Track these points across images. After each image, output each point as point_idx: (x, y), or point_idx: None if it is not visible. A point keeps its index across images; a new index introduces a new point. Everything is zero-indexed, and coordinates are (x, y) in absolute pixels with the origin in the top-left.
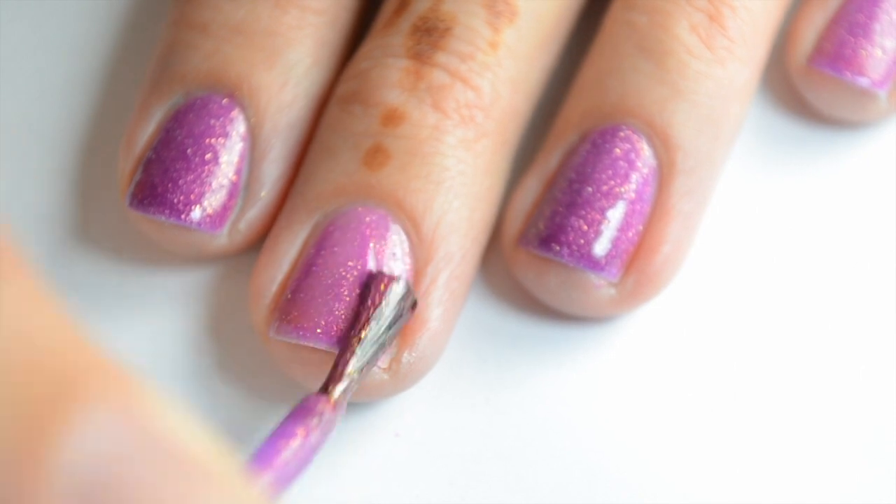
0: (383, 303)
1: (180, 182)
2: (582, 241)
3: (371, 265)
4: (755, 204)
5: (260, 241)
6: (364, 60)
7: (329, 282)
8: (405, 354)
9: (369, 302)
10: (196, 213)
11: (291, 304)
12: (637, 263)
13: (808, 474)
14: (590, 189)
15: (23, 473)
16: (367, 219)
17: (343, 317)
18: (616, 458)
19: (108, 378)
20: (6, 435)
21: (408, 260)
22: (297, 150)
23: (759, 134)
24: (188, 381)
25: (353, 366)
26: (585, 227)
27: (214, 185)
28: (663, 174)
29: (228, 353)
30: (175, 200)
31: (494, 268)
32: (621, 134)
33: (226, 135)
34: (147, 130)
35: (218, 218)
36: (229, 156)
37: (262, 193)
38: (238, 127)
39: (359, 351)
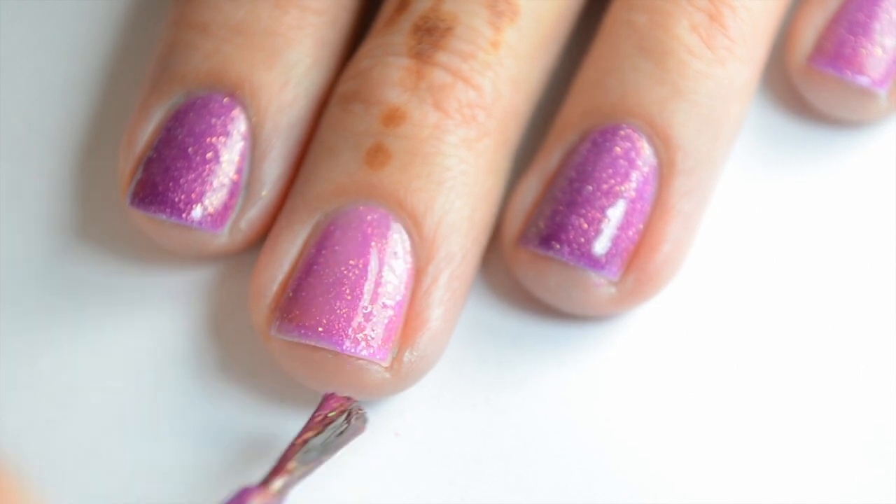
0: (338, 421)
1: (181, 181)
2: (582, 240)
3: (373, 264)
4: (755, 204)
5: (260, 240)
6: (365, 59)
7: (330, 281)
8: (406, 353)
9: (325, 414)
10: (197, 212)
11: (293, 302)
12: (637, 262)
13: (808, 474)
14: (590, 188)
15: None
16: (369, 218)
17: (345, 315)
18: (616, 457)
19: None
20: None
21: (409, 259)
22: (297, 150)
23: (759, 134)
24: (189, 381)
25: (296, 464)
26: (586, 226)
27: (215, 184)
28: (663, 174)
29: (229, 353)
30: (176, 199)
31: (494, 267)
32: (622, 133)
33: (227, 134)
34: (148, 129)
35: (219, 217)
36: (230, 155)
37: (263, 193)
38: (239, 126)
39: (303, 453)
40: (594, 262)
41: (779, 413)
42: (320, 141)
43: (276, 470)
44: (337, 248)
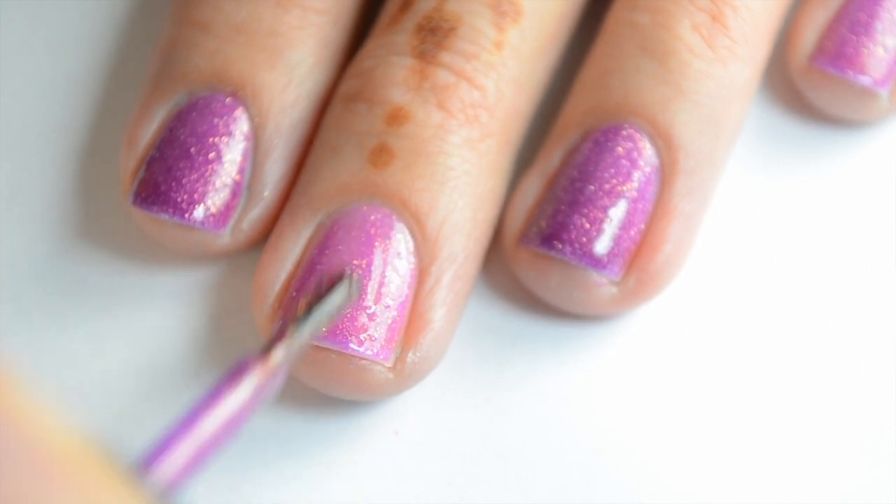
0: (337, 288)
1: (184, 181)
2: (584, 240)
3: (376, 264)
4: (756, 204)
5: (262, 240)
6: (368, 59)
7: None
8: (409, 354)
9: (319, 283)
10: (199, 212)
11: (296, 302)
12: (638, 262)
13: (808, 474)
14: (592, 187)
15: None
16: (372, 217)
17: (348, 315)
18: (616, 457)
19: None
20: None
21: (412, 259)
22: (299, 151)
23: (760, 133)
24: (191, 380)
25: (294, 334)
26: (587, 226)
27: (218, 184)
28: (665, 174)
29: (231, 353)
30: (178, 199)
31: (495, 267)
32: (624, 133)
33: (229, 134)
34: (149, 129)
35: (221, 217)
36: (232, 155)
37: (265, 193)
38: (241, 126)
39: (302, 322)
40: (596, 262)
41: (779, 413)
42: (323, 140)
43: (275, 338)
44: (340, 247)
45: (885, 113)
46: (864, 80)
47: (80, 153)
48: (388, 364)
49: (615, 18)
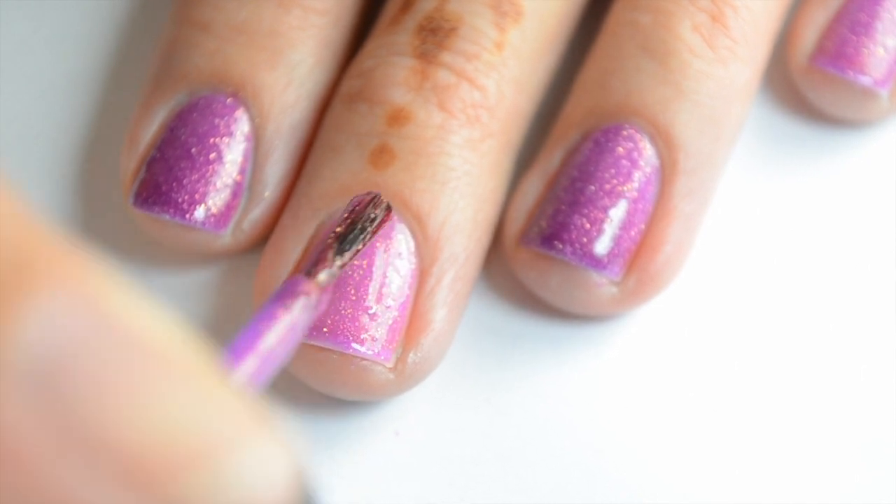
0: (369, 210)
1: (184, 181)
2: (584, 240)
3: (377, 264)
4: (756, 204)
5: (263, 240)
6: (369, 59)
7: (335, 281)
8: (411, 355)
9: (351, 207)
10: (200, 213)
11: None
12: (639, 263)
13: (808, 474)
14: (592, 187)
15: None
16: None
17: (349, 316)
18: (617, 458)
19: (66, 262)
20: None
21: (413, 260)
22: (300, 151)
23: (760, 134)
24: None
25: (333, 255)
26: (588, 226)
27: (219, 184)
28: (665, 174)
29: None
30: (179, 199)
31: (496, 267)
32: (624, 133)
33: (230, 134)
34: (150, 129)
35: (222, 217)
36: (233, 155)
37: (266, 194)
38: (242, 127)
39: (338, 245)
40: (596, 262)
41: (779, 414)
42: (324, 140)
43: (318, 261)
44: None
45: (886, 113)
46: (865, 80)
47: (81, 153)
48: (389, 364)
49: (616, 18)
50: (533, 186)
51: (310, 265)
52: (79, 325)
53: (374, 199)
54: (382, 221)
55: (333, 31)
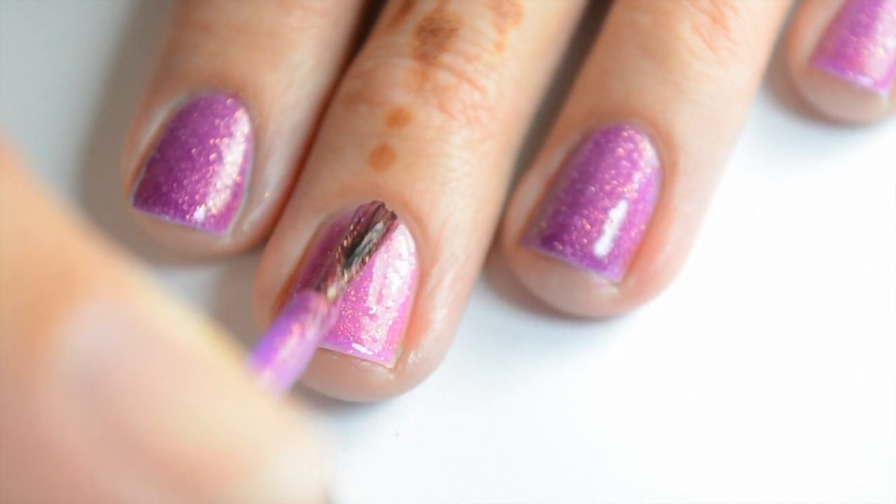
0: (375, 220)
1: (185, 182)
2: (585, 241)
3: (377, 265)
4: (756, 204)
5: (263, 241)
6: (369, 60)
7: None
8: (411, 355)
9: (357, 218)
10: (200, 214)
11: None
12: (639, 263)
13: (808, 474)
14: (593, 188)
15: (21, 370)
16: None
17: (349, 317)
18: (617, 458)
19: (106, 273)
20: (4, 330)
21: (413, 260)
22: (300, 152)
23: (760, 134)
24: None
25: (342, 269)
26: (588, 227)
27: (219, 185)
28: (665, 175)
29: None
30: (179, 200)
31: (496, 268)
32: (624, 133)
33: (230, 135)
34: (150, 130)
35: (222, 218)
36: (233, 156)
37: (266, 195)
38: (242, 127)
39: (348, 258)
40: (596, 263)
41: (779, 414)
42: (324, 141)
43: (327, 276)
44: None
45: (886, 114)
46: (865, 80)
47: (81, 154)
48: (390, 365)
49: (616, 19)
50: (533, 187)
51: (319, 280)
52: (122, 335)
53: (378, 209)
54: (388, 231)
55: (334, 32)
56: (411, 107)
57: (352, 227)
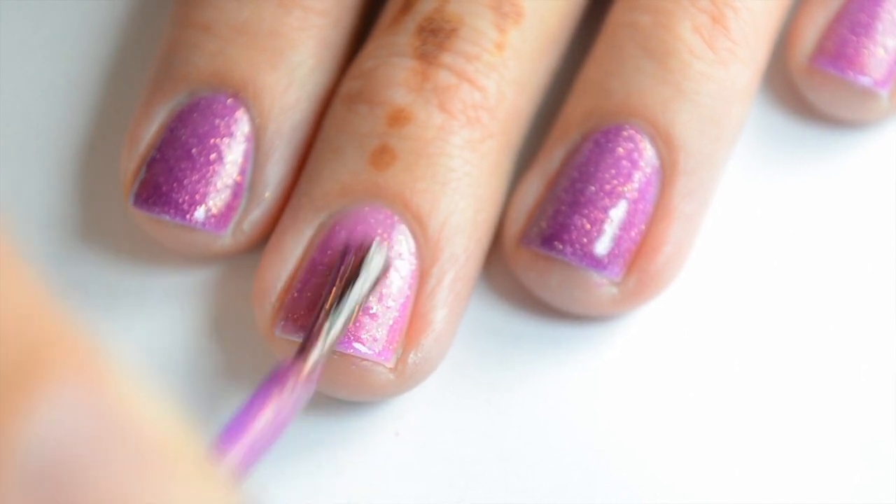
0: (361, 271)
1: (185, 182)
2: (585, 240)
3: None
4: (756, 205)
5: (263, 241)
6: (369, 60)
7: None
8: (411, 355)
9: (343, 270)
10: (200, 213)
11: (298, 302)
12: (639, 263)
13: (808, 474)
14: (593, 188)
15: None
16: (374, 219)
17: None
18: (617, 458)
19: (74, 353)
20: None
21: (414, 261)
22: (300, 152)
23: (760, 134)
24: (191, 381)
25: (327, 334)
26: (588, 226)
27: (219, 185)
28: (665, 175)
29: (232, 353)
30: (179, 200)
31: (496, 267)
32: (624, 133)
33: (230, 135)
34: (150, 129)
35: (222, 218)
36: (234, 156)
37: (266, 195)
38: (242, 127)
39: (333, 319)
40: (596, 263)
41: (779, 414)
42: (325, 141)
43: (309, 340)
44: (342, 248)
45: (886, 113)
46: (865, 80)
47: (81, 153)
48: (390, 365)
49: (615, 19)
50: (533, 187)
51: (301, 345)
52: (83, 424)
53: (369, 251)
54: (381, 277)
55: (334, 32)
56: (412, 107)
57: (336, 283)
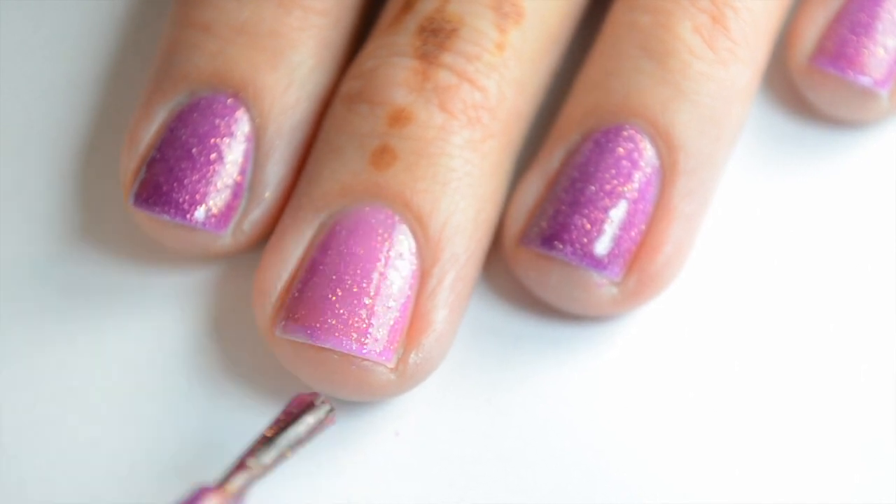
0: (302, 418)
1: (185, 182)
2: (585, 240)
3: (379, 265)
4: (756, 204)
5: (263, 241)
6: (369, 59)
7: (336, 281)
8: (412, 355)
9: (288, 410)
10: (200, 213)
11: (298, 302)
12: (639, 263)
13: (808, 474)
14: (593, 188)
15: None
16: (374, 219)
17: (350, 316)
18: (617, 458)
19: None
20: None
21: (414, 261)
22: (300, 152)
23: (760, 134)
24: (192, 381)
25: (256, 461)
26: (588, 226)
27: (219, 185)
28: (665, 175)
29: (232, 353)
30: (180, 200)
31: (496, 267)
32: (625, 133)
33: (231, 134)
34: (150, 129)
35: (222, 218)
36: (234, 156)
37: (266, 194)
38: (243, 127)
39: (266, 449)
40: (596, 263)
41: (779, 414)
42: (325, 141)
43: (235, 468)
44: (342, 248)
45: (886, 113)
46: (865, 80)
47: (81, 153)
48: (391, 365)
49: (615, 19)
50: (533, 186)
51: (228, 470)
52: None
53: (316, 403)
54: (319, 426)
55: (334, 32)
56: (412, 106)
57: (280, 417)
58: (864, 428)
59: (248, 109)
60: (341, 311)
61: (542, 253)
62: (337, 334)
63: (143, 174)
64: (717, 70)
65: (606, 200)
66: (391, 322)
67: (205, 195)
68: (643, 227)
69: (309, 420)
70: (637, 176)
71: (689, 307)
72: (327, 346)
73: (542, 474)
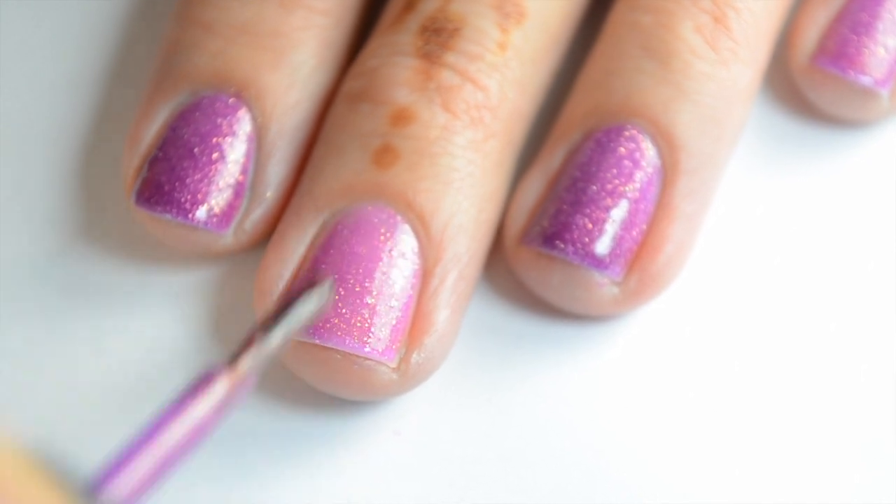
0: (309, 295)
1: (187, 181)
2: (586, 240)
3: (381, 263)
4: (758, 204)
5: (265, 241)
6: (371, 58)
7: (338, 280)
8: (414, 355)
9: (288, 291)
10: (202, 213)
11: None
12: (640, 263)
13: (808, 474)
14: (594, 187)
15: None
16: (376, 218)
17: (352, 315)
18: (617, 458)
19: None
20: None
21: (417, 260)
22: (301, 152)
23: (761, 134)
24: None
25: (265, 339)
26: (590, 226)
27: (221, 184)
28: (667, 174)
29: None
30: (181, 199)
31: (497, 267)
32: (626, 133)
33: (233, 134)
34: (152, 128)
35: (224, 217)
36: (236, 155)
37: (268, 194)
38: (245, 127)
39: (272, 328)
40: (597, 262)
41: (779, 414)
42: (327, 140)
43: (243, 346)
44: (344, 247)
45: (886, 113)
46: (865, 80)
47: (82, 153)
48: (392, 364)
49: (617, 19)
50: (534, 186)
51: (235, 350)
52: None
53: (320, 283)
54: (323, 303)
55: (336, 32)
56: (415, 106)
57: (283, 294)
58: (864, 428)
59: (250, 109)
60: (343, 311)
61: (544, 252)
62: (339, 333)
63: (145, 173)
64: (719, 70)
65: (608, 200)
66: (393, 322)
67: (206, 194)
68: (644, 226)
69: (314, 297)
70: (638, 175)
71: (690, 307)
72: (329, 345)
73: (542, 474)
